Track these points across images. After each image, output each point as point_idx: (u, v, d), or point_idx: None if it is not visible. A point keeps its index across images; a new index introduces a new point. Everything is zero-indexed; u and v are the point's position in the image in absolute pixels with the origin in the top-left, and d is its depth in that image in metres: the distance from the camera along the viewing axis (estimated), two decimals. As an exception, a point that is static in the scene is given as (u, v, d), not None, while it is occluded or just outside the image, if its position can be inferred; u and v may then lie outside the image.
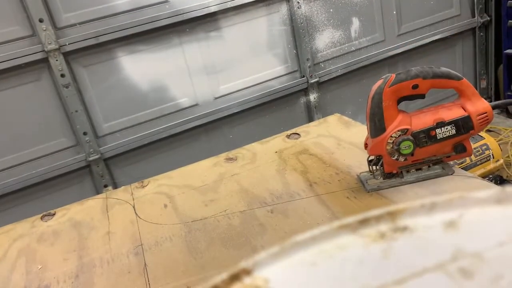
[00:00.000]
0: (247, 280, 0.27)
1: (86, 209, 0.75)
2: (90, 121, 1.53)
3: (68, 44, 1.43)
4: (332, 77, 1.87)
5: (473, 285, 0.22)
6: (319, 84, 1.85)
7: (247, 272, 0.27)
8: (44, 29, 1.38)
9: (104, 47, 1.49)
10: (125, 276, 0.56)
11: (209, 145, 1.70)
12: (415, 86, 0.57)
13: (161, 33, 1.55)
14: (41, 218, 0.75)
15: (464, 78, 0.58)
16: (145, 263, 0.57)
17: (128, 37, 1.51)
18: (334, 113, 0.86)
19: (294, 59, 1.80)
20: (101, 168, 1.57)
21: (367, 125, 0.59)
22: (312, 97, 1.86)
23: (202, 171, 0.77)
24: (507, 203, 0.23)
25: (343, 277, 0.25)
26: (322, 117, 0.85)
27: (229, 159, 0.79)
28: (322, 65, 1.86)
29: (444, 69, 0.60)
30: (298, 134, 0.81)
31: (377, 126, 0.57)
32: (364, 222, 0.26)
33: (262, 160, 0.76)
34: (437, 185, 0.58)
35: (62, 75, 1.44)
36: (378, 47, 1.95)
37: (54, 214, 0.75)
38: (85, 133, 1.51)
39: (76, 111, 1.48)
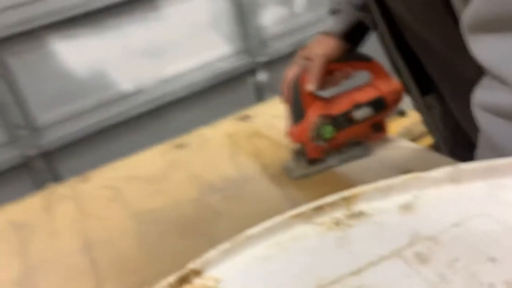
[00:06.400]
0: (196, 281, 0.25)
1: (26, 208, 0.70)
2: (24, 113, 1.43)
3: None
4: (280, 55, 1.85)
5: (429, 270, 0.21)
6: (268, 64, 1.83)
7: (196, 273, 0.25)
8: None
9: (36, 33, 1.38)
10: (72, 277, 0.53)
11: (156, 132, 1.65)
12: (329, 71, 0.58)
13: (97, 15, 1.46)
14: (-25, 221, 0.69)
15: (374, 59, 0.59)
16: (93, 262, 0.54)
17: (62, 22, 1.41)
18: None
19: (240, 38, 1.77)
20: (41, 163, 1.48)
21: (287, 113, 0.59)
22: (261, 77, 1.84)
23: (150, 160, 0.74)
24: (461, 181, 0.23)
25: (298, 270, 0.24)
26: (273, 97, 0.83)
27: (178, 146, 0.76)
28: (269, 43, 1.84)
29: (354, 51, 0.61)
30: (249, 116, 0.79)
31: (297, 113, 0.58)
32: (318, 210, 0.25)
33: (212, 145, 0.74)
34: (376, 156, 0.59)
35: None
36: (326, 23, 1.95)
37: (-11, 216, 0.69)
38: (19, 127, 1.41)
39: (7, 104, 1.37)
